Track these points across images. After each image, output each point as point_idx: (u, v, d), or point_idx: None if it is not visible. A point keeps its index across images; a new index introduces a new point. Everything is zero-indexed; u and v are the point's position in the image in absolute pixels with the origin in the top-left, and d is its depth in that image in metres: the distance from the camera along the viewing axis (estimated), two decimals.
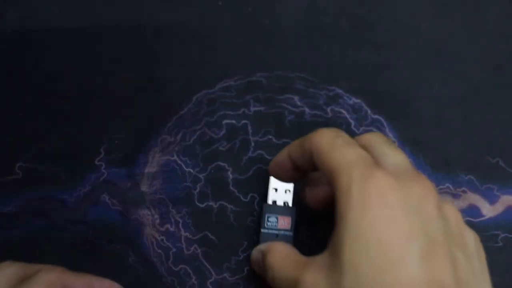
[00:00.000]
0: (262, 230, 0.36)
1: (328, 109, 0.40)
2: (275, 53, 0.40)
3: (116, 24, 0.41)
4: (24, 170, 0.39)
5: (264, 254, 0.34)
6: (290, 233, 0.37)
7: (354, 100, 0.40)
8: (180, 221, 0.39)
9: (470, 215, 0.39)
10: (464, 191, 0.39)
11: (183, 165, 0.39)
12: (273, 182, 0.37)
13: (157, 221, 0.39)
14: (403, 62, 0.40)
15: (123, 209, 0.39)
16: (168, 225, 0.39)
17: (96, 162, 0.39)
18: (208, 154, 0.39)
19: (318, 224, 0.38)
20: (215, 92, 0.40)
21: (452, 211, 0.30)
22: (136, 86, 0.40)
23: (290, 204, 0.37)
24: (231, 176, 0.39)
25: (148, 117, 0.40)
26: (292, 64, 0.40)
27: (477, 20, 0.41)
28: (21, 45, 0.41)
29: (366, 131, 0.40)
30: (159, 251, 0.38)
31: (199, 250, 0.38)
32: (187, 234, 0.38)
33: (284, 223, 0.37)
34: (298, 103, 0.40)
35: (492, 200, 0.39)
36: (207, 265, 0.38)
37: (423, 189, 0.29)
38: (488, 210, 0.39)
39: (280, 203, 0.37)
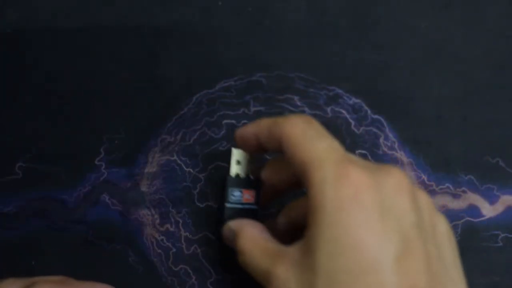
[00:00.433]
0: (227, 205, 0.35)
1: (328, 109, 0.40)
2: (275, 53, 0.40)
3: (116, 24, 0.41)
4: (24, 170, 0.39)
5: (235, 235, 0.33)
6: (255, 207, 0.35)
7: (354, 100, 0.40)
8: (180, 221, 0.39)
9: (470, 215, 0.39)
10: (464, 191, 0.39)
11: (183, 165, 0.39)
12: (236, 154, 0.36)
13: (157, 221, 0.39)
14: (403, 62, 0.40)
15: (123, 209, 0.39)
16: (168, 225, 0.39)
17: (96, 162, 0.39)
18: (208, 154, 0.39)
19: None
20: (215, 92, 0.40)
21: (425, 200, 0.30)
22: (136, 86, 0.40)
23: (252, 176, 0.36)
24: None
25: (148, 117, 0.40)
26: (292, 64, 0.40)
27: (477, 20, 0.41)
28: (21, 45, 0.41)
29: (366, 131, 0.40)
30: (159, 251, 0.38)
31: (199, 250, 0.38)
32: (187, 234, 0.38)
33: (248, 196, 0.35)
34: (298, 103, 0.40)
35: (492, 200, 0.39)
36: (207, 265, 0.38)
37: (395, 180, 0.28)
38: (488, 210, 0.39)
39: (243, 175, 0.36)
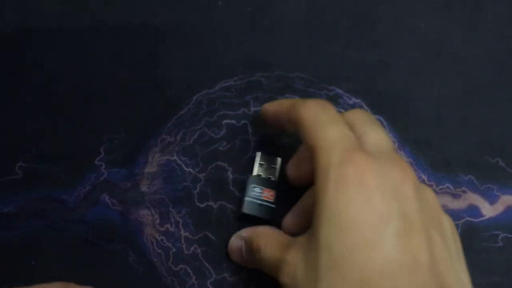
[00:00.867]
0: (246, 198, 0.37)
1: None
2: (275, 53, 0.40)
3: (116, 24, 0.41)
4: (24, 170, 0.39)
5: (249, 240, 0.34)
6: (273, 206, 0.37)
7: (354, 100, 0.40)
8: (180, 221, 0.39)
9: (470, 215, 0.39)
10: (464, 191, 0.39)
11: (183, 165, 0.39)
12: (259, 157, 0.38)
13: (157, 221, 0.39)
14: (403, 62, 0.40)
15: (123, 209, 0.39)
16: (168, 225, 0.39)
17: (96, 162, 0.39)
18: (208, 154, 0.39)
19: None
20: (215, 92, 0.40)
21: (430, 195, 0.31)
22: (136, 86, 0.40)
23: (275, 178, 0.38)
24: (231, 176, 0.39)
25: (148, 117, 0.40)
26: (292, 64, 0.40)
27: (477, 20, 0.41)
28: (21, 45, 0.41)
29: None
30: (159, 251, 0.38)
31: (199, 250, 0.38)
32: (187, 234, 0.38)
33: (267, 195, 0.37)
34: None
35: (492, 200, 0.39)
36: (207, 265, 0.38)
37: (401, 172, 0.29)
38: (488, 210, 0.39)
39: (264, 176, 0.37)
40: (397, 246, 0.27)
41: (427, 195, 0.30)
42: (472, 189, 0.39)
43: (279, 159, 0.38)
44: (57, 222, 0.38)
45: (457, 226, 0.39)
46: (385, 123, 0.40)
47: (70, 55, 0.40)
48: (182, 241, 0.38)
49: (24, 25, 0.41)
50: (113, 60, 0.40)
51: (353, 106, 0.40)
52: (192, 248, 0.38)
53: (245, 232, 0.36)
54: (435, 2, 0.41)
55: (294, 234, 0.34)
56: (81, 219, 0.38)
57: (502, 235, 0.39)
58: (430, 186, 0.39)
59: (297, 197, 0.36)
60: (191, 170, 0.39)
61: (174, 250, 0.38)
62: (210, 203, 0.39)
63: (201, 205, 0.39)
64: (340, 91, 0.40)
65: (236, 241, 0.36)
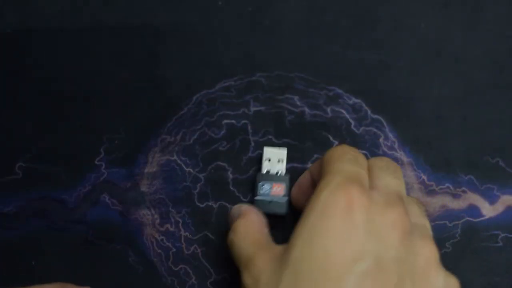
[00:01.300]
0: (256, 198, 0.37)
1: (328, 109, 0.40)
2: (275, 53, 0.40)
3: (116, 24, 0.41)
4: (24, 170, 0.39)
5: (238, 216, 0.34)
6: (285, 198, 0.37)
7: (354, 100, 0.40)
8: (180, 221, 0.39)
9: (470, 215, 0.39)
10: (464, 191, 0.39)
11: (183, 165, 0.39)
12: (267, 152, 0.38)
13: (157, 221, 0.39)
14: (403, 62, 0.40)
15: (123, 209, 0.39)
16: (168, 225, 0.39)
17: (96, 162, 0.39)
18: (208, 154, 0.39)
19: None
20: (215, 92, 0.40)
21: (427, 250, 0.30)
22: (136, 86, 0.40)
23: (283, 173, 0.37)
24: (231, 176, 0.39)
25: (148, 117, 0.40)
26: (292, 64, 0.40)
27: (477, 20, 0.41)
28: (21, 45, 0.41)
29: (366, 131, 0.40)
30: (159, 251, 0.38)
31: (199, 250, 0.38)
32: (187, 234, 0.38)
33: (277, 189, 0.37)
34: (298, 103, 0.40)
35: (492, 200, 0.39)
36: (207, 265, 0.38)
37: (395, 217, 0.29)
38: (488, 210, 0.39)
39: (273, 172, 0.37)
40: (360, 286, 0.27)
41: (423, 250, 0.30)
42: (472, 189, 0.39)
43: (284, 151, 0.38)
44: (57, 222, 0.38)
45: (457, 226, 0.39)
46: (385, 123, 0.40)
47: (70, 55, 0.40)
48: (182, 241, 0.38)
49: (24, 25, 0.41)
50: (113, 60, 0.40)
51: (353, 106, 0.40)
52: (192, 248, 0.38)
53: (244, 207, 0.35)
54: (435, 2, 0.41)
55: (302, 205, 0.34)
56: (81, 219, 0.38)
57: (502, 235, 0.39)
58: (430, 186, 0.39)
59: None
60: (191, 170, 0.39)
61: (174, 250, 0.38)
62: (210, 203, 0.39)
63: (201, 205, 0.39)
64: (340, 91, 0.40)
65: (235, 210, 0.36)
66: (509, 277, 0.38)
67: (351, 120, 0.40)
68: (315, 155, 0.39)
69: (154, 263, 0.38)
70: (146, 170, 0.39)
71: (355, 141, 0.39)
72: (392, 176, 0.32)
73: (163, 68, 0.40)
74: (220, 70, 0.40)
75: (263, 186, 0.37)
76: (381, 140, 0.40)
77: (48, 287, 0.36)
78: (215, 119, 0.40)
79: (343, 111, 0.40)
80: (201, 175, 0.39)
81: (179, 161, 0.39)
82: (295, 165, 0.39)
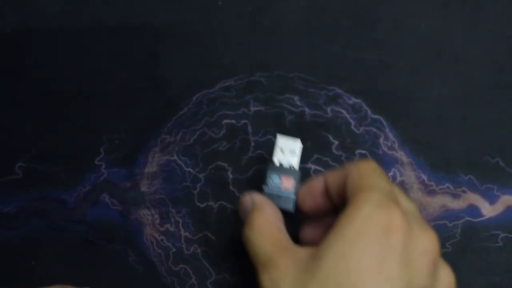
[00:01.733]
0: (264, 189, 0.34)
1: (328, 109, 0.40)
2: (275, 53, 0.40)
3: (116, 24, 0.41)
4: (24, 170, 0.39)
5: (253, 207, 0.33)
6: (293, 196, 0.34)
7: (354, 100, 0.40)
8: (180, 221, 0.39)
9: (470, 215, 0.39)
10: (464, 191, 0.39)
11: (183, 165, 0.39)
12: (280, 141, 0.35)
13: (157, 221, 0.39)
14: (403, 62, 0.40)
15: (123, 209, 0.39)
16: (168, 225, 0.39)
17: (96, 162, 0.39)
18: (208, 154, 0.39)
19: None
20: (215, 92, 0.40)
21: (448, 278, 0.30)
22: (136, 86, 0.40)
23: (296, 167, 0.35)
24: (231, 176, 0.39)
25: (148, 117, 0.40)
26: (292, 64, 0.40)
27: (477, 20, 0.41)
28: (21, 45, 0.41)
29: (366, 131, 0.40)
30: (159, 251, 0.38)
31: (199, 250, 0.38)
32: (187, 234, 0.38)
33: (287, 183, 0.35)
34: (298, 103, 0.40)
35: (492, 200, 0.39)
36: (207, 265, 0.38)
37: (427, 242, 0.28)
38: (488, 210, 0.39)
39: (285, 165, 0.35)
40: None
41: (445, 276, 0.30)
42: (472, 189, 0.39)
43: (299, 144, 0.36)
44: (57, 222, 0.38)
45: (457, 226, 0.39)
46: (385, 123, 0.40)
47: (70, 55, 0.40)
48: (182, 241, 0.38)
49: (24, 25, 0.41)
50: (113, 60, 0.40)
51: (353, 106, 0.40)
52: (192, 248, 0.38)
53: (257, 198, 0.33)
54: (435, 2, 0.41)
55: (307, 244, 0.33)
56: (81, 219, 0.38)
57: (502, 235, 0.39)
58: (430, 186, 0.39)
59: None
60: (191, 170, 0.39)
61: (174, 250, 0.38)
62: (210, 203, 0.39)
63: (201, 205, 0.39)
64: (340, 91, 0.40)
65: (247, 200, 0.34)
66: (509, 277, 0.38)
67: (351, 120, 0.40)
68: (315, 155, 0.39)
69: (154, 263, 0.38)
70: (146, 170, 0.39)
71: (355, 141, 0.39)
72: (409, 199, 0.31)
73: (163, 68, 0.40)
74: (220, 70, 0.40)
75: (273, 178, 0.35)
76: (381, 140, 0.40)
77: None
78: (215, 119, 0.40)
79: (343, 111, 0.40)
80: (201, 175, 0.39)
81: (179, 161, 0.39)
82: None
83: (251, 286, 0.38)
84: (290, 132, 0.39)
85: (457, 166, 0.39)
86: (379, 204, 0.28)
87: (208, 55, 0.40)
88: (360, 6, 0.41)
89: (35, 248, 0.38)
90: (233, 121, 0.40)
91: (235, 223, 0.38)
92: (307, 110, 0.40)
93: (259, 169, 0.39)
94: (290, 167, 0.35)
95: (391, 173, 0.39)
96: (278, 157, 0.35)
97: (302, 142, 0.39)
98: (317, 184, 0.33)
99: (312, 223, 0.35)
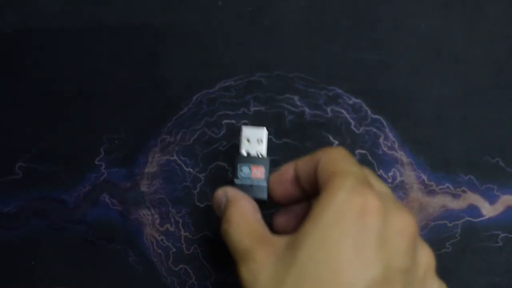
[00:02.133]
0: (236, 181, 0.35)
1: (328, 109, 0.40)
2: (275, 53, 0.40)
3: (116, 24, 0.41)
4: (24, 170, 0.39)
5: (227, 203, 0.33)
6: (265, 184, 0.35)
7: (354, 100, 0.40)
8: (180, 221, 0.39)
9: (470, 215, 0.39)
10: (464, 191, 0.39)
11: (183, 165, 0.39)
12: (245, 132, 0.36)
13: (157, 221, 0.39)
14: (403, 62, 0.40)
15: (123, 209, 0.39)
16: (168, 225, 0.39)
17: (96, 162, 0.39)
18: (208, 154, 0.39)
19: None
20: (215, 92, 0.40)
21: (426, 258, 0.30)
22: (136, 86, 0.40)
23: (264, 155, 0.36)
24: (231, 176, 0.39)
25: (148, 117, 0.40)
26: (292, 64, 0.40)
27: (477, 20, 0.41)
28: (21, 45, 0.41)
29: (366, 131, 0.40)
30: (159, 251, 0.38)
31: (199, 250, 0.38)
32: (187, 234, 0.38)
33: (257, 172, 0.35)
34: (298, 103, 0.40)
35: (492, 200, 0.39)
36: (207, 265, 0.38)
37: (404, 222, 0.28)
38: (488, 210, 0.39)
39: (253, 154, 0.36)
40: None
41: (424, 257, 0.30)
42: (472, 189, 0.39)
43: (264, 131, 0.36)
44: (57, 222, 0.38)
45: (457, 226, 0.39)
46: (385, 123, 0.40)
47: (70, 55, 0.40)
48: (182, 241, 0.38)
49: (24, 25, 0.41)
50: (113, 60, 0.40)
51: (353, 106, 0.40)
52: (192, 248, 0.38)
53: (231, 192, 0.34)
54: (435, 2, 0.41)
55: (281, 232, 0.33)
56: (81, 219, 0.38)
57: (502, 235, 0.39)
58: (430, 186, 0.39)
59: None
60: (191, 170, 0.39)
61: (174, 250, 0.38)
62: (210, 203, 0.39)
63: (201, 205, 0.39)
64: (340, 91, 0.40)
65: (220, 195, 0.34)
66: (509, 277, 0.38)
67: (351, 120, 0.40)
68: None
69: (154, 263, 0.38)
70: (146, 170, 0.39)
71: (355, 141, 0.39)
72: (382, 182, 0.32)
73: (163, 68, 0.40)
74: (220, 70, 0.40)
75: (243, 169, 0.35)
76: (381, 140, 0.40)
77: None
78: (215, 119, 0.40)
79: (343, 111, 0.40)
80: (201, 175, 0.39)
81: (179, 161, 0.39)
82: None
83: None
84: (290, 132, 0.39)
85: (457, 166, 0.39)
86: (353, 188, 0.28)
87: (208, 55, 0.40)
88: (360, 6, 0.41)
89: (35, 248, 0.38)
90: (233, 121, 0.40)
91: None
92: (307, 110, 0.40)
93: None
94: (258, 155, 0.35)
95: (391, 173, 0.39)
96: (246, 148, 0.35)
97: (302, 142, 0.39)
98: (286, 171, 0.33)
99: (284, 210, 0.35)
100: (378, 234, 0.27)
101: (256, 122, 0.40)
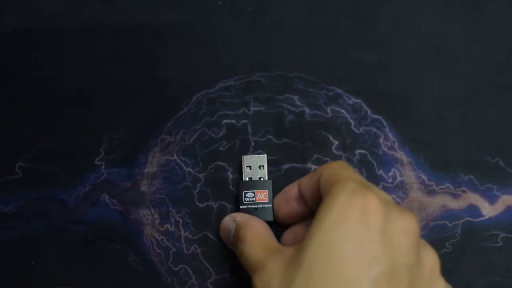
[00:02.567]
0: (241, 207, 0.37)
1: (328, 109, 0.40)
2: (275, 53, 0.40)
3: (116, 24, 0.41)
4: (24, 170, 0.39)
5: (238, 226, 0.35)
6: (269, 206, 0.37)
7: (354, 100, 0.40)
8: (180, 221, 0.39)
9: (470, 215, 0.39)
10: (464, 191, 0.39)
11: (183, 165, 0.39)
12: (246, 160, 0.38)
13: (157, 221, 0.39)
14: (403, 62, 0.40)
15: (123, 209, 0.39)
16: (168, 225, 0.39)
17: (96, 162, 0.39)
18: (208, 154, 0.39)
19: None
20: (215, 92, 0.40)
21: (431, 258, 0.30)
22: (136, 86, 0.40)
23: (266, 178, 0.38)
24: (231, 176, 0.39)
25: (148, 117, 0.40)
26: (292, 64, 0.40)
27: (477, 20, 0.41)
28: (21, 45, 0.41)
29: (366, 131, 0.40)
30: (159, 251, 0.38)
31: (199, 250, 0.38)
32: (187, 234, 0.38)
33: (261, 196, 0.37)
34: (298, 103, 0.40)
35: (492, 200, 0.39)
36: (207, 265, 0.38)
37: (407, 222, 0.29)
38: (488, 210, 0.39)
39: (255, 178, 0.38)
40: None
41: (428, 258, 0.30)
42: (472, 189, 0.39)
43: (264, 157, 0.38)
44: (57, 222, 0.38)
45: (457, 226, 0.39)
46: (385, 123, 0.40)
47: (70, 55, 0.40)
48: (182, 241, 0.38)
49: (24, 25, 0.41)
50: (113, 60, 0.40)
51: (353, 106, 0.40)
52: (192, 248, 0.38)
53: (239, 217, 0.36)
54: (435, 2, 0.41)
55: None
56: (81, 219, 0.38)
57: (502, 235, 0.39)
58: (430, 186, 0.39)
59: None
60: (191, 170, 0.39)
61: (174, 250, 0.38)
62: (210, 203, 0.39)
63: (201, 205, 0.39)
64: (340, 91, 0.40)
65: (228, 222, 0.36)
66: (509, 277, 0.38)
67: (351, 120, 0.40)
68: (315, 155, 0.39)
69: (154, 263, 0.38)
70: (146, 170, 0.39)
71: (355, 141, 0.39)
72: (378, 188, 0.32)
73: (163, 68, 0.40)
74: (220, 70, 0.40)
75: (247, 195, 0.37)
76: (381, 140, 0.40)
77: None
78: (215, 119, 0.40)
79: (343, 111, 0.40)
80: (201, 175, 0.39)
81: (179, 161, 0.39)
82: (295, 165, 0.39)
83: (251, 286, 0.38)
84: (290, 132, 0.39)
85: (457, 166, 0.39)
86: (354, 191, 0.29)
87: (208, 55, 0.40)
88: (360, 6, 0.41)
89: (35, 248, 0.38)
90: (233, 121, 0.40)
91: None
92: (307, 110, 0.40)
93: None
94: (260, 178, 0.38)
95: (391, 173, 0.39)
96: (248, 175, 0.38)
97: (302, 142, 0.39)
98: (290, 190, 0.36)
99: (291, 229, 0.36)
100: (381, 232, 0.28)
101: (256, 122, 0.40)
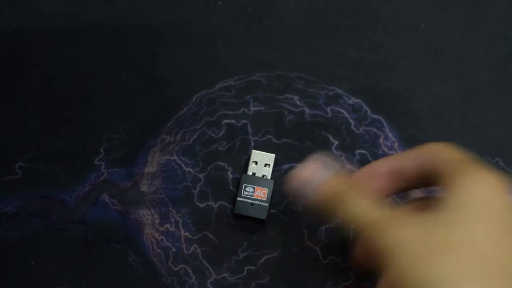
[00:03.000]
0: (238, 199, 0.37)
1: (328, 109, 0.40)
2: (275, 53, 0.40)
3: (116, 24, 0.41)
4: (24, 170, 0.39)
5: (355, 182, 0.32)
6: (266, 204, 0.37)
7: (354, 100, 0.40)
8: (180, 221, 0.39)
9: None
10: None
11: (182, 165, 0.39)
12: (255, 155, 0.38)
13: (157, 221, 0.39)
14: (403, 62, 0.40)
15: (123, 209, 0.39)
16: (168, 225, 0.38)
17: (96, 162, 0.39)
18: (208, 154, 0.39)
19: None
20: (215, 92, 0.40)
21: None
22: (136, 86, 0.40)
23: (268, 177, 0.38)
24: (231, 176, 0.39)
25: (148, 117, 0.40)
26: (292, 64, 0.40)
27: (477, 20, 0.41)
28: (21, 46, 0.41)
29: (366, 131, 0.40)
30: (159, 251, 0.38)
31: (199, 250, 0.38)
32: (187, 234, 0.38)
33: (260, 193, 0.37)
34: (298, 103, 0.40)
35: None
36: (207, 265, 0.38)
37: None
38: None
39: (259, 175, 0.38)
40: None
41: None
42: None
43: (273, 156, 0.38)
44: (57, 222, 0.38)
45: None
46: (385, 123, 0.40)
47: (70, 55, 0.40)
48: (182, 241, 0.38)
49: (24, 25, 0.41)
50: (113, 60, 0.40)
51: (353, 106, 0.40)
52: (192, 248, 0.38)
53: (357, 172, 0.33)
54: (435, 2, 0.41)
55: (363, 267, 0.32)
56: (81, 219, 0.38)
57: None
58: None
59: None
60: (191, 170, 0.39)
61: (174, 250, 0.38)
62: (210, 203, 0.39)
63: (201, 205, 0.39)
64: (340, 91, 0.40)
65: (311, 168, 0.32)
66: None
67: (351, 120, 0.40)
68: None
69: (154, 263, 0.38)
70: (146, 170, 0.39)
71: (355, 141, 0.39)
72: None
73: (163, 68, 0.40)
74: (220, 70, 0.40)
75: (247, 188, 0.37)
76: (381, 140, 0.40)
77: None
78: (215, 119, 0.40)
79: (343, 111, 0.40)
80: (201, 175, 0.39)
81: (179, 161, 0.39)
82: (295, 165, 0.39)
83: (251, 286, 0.38)
84: (290, 132, 0.39)
85: None
86: (487, 172, 0.30)
87: (208, 55, 0.40)
88: (360, 6, 0.41)
89: (35, 248, 0.38)
90: (233, 121, 0.40)
91: (235, 223, 0.38)
92: (307, 110, 0.40)
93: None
94: (263, 176, 0.38)
95: None
96: (252, 170, 0.38)
97: (302, 142, 0.39)
98: (381, 167, 0.32)
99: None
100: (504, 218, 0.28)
101: (256, 122, 0.40)
